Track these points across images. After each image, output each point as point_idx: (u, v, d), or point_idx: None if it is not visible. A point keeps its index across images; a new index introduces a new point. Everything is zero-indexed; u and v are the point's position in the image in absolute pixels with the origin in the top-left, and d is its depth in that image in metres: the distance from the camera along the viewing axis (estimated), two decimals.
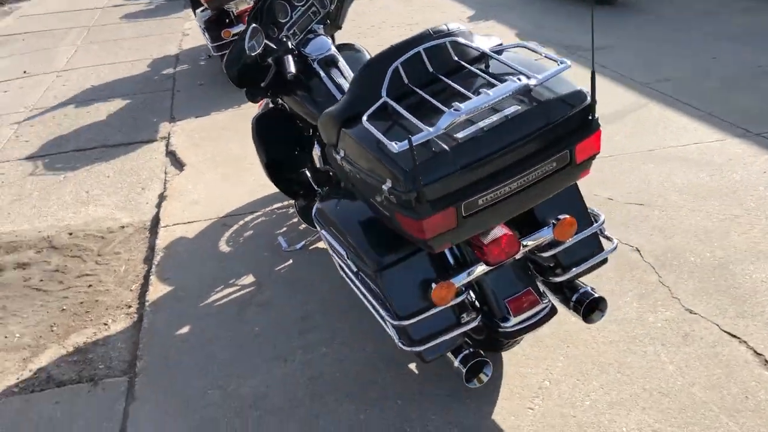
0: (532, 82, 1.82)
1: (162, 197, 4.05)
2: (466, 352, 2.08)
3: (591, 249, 2.22)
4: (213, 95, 5.69)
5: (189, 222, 3.73)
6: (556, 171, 1.88)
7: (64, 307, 3.13)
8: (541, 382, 2.44)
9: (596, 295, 2.21)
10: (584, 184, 3.46)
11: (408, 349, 2.03)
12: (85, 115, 5.54)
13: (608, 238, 2.25)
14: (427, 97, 1.92)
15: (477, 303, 2.19)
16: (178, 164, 4.47)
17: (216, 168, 4.35)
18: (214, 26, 5.58)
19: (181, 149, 4.68)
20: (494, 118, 1.81)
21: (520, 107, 1.82)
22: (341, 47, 3.11)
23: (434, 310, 2.00)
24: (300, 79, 2.86)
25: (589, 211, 2.22)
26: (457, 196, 1.77)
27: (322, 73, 2.82)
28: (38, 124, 5.42)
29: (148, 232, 3.71)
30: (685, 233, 3.20)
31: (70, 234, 3.75)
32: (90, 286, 3.29)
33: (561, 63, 1.85)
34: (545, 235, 2.10)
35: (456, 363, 2.08)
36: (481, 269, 2.05)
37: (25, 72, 6.85)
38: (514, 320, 2.09)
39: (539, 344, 2.62)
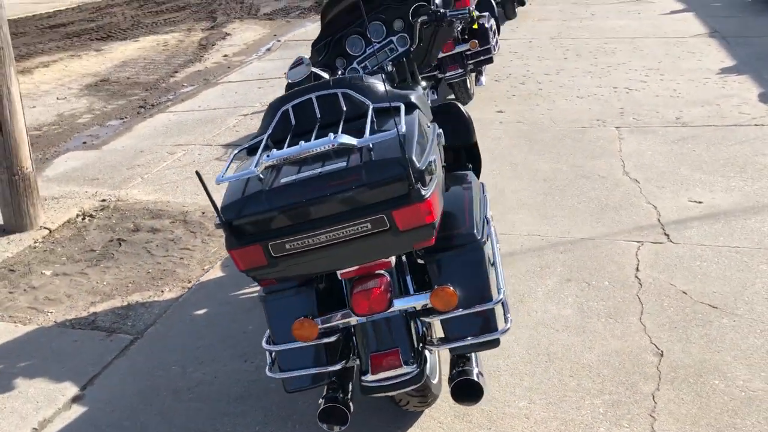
0: (354, 142, 1.81)
1: None
2: (333, 395, 2.11)
3: (477, 327, 2.06)
4: None
5: None
6: (375, 234, 1.83)
7: (150, 270, 3.76)
8: None
9: (472, 378, 2.05)
10: (662, 265, 3.08)
11: (270, 374, 2.14)
12: None
13: (505, 320, 2.07)
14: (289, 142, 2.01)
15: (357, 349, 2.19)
16: None
17: None
18: None
19: None
20: (316, 170, 1.84)
21: (339, 164, 1.82)
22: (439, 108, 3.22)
23: (299, 344, 2.07)
24: None
25: (495, 286, 2.08)
26: (264, 236, 1.85)
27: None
28: (257, 118, 6.33)
29: None
30: (737, 351, 2.63)
31: (203, 213, 4.41)
32: (182, 258, 3.88)
33: (398, 129, 1.79)
34: (420, 300, 2.04)
35: (320, 399, 2.12)
36: (351, 317, 2.06)
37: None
38: (372, 377, 2.06)
39: (464, 418, 2.45)
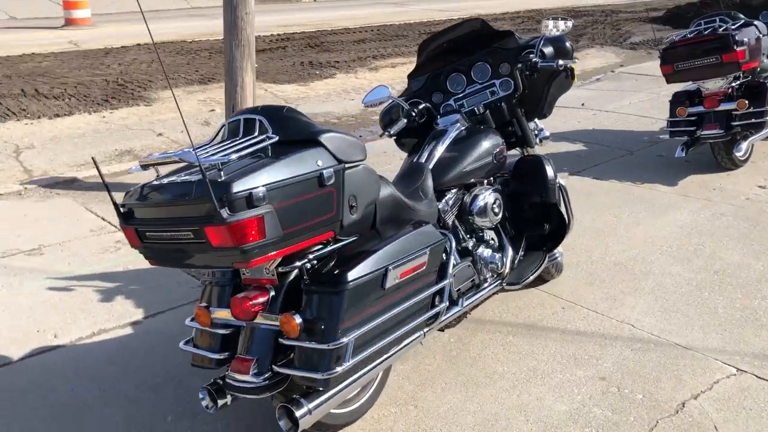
0: (192, 160, 1.95)
1: None
2: (217, 380, 2.34)
3: (308, 361, 2.14)
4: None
5: None
6: (198, 243, 1.99)
7: None
8: None
9: (288, 407, 2.12)
10: None
11: (181, 346, 2.45)
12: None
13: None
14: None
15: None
16: None
17: None
18: (676, 101, 5.34)
19: None
20: (181, 178, 2.08)
21: (185, 178, 2.03)
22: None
23: (200, 327, 2.38)
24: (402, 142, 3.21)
25: (339, 330, 2.12)
26: (134, 222, 2.15)
27: (425, 143, 3.08)
28: None
29: None
30: None
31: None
32: None
33: (196, 155, 1.95)
34: (273, 321, 2.19)
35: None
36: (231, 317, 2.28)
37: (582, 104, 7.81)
38: (230, 375, 2.23)
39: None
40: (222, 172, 1.96)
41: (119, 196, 2.21)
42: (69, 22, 14.02)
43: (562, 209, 3.21)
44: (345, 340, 2.10)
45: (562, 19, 3.13)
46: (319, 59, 10.65)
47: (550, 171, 3.15)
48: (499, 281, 3.04)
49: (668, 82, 5.27)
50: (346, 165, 2.18)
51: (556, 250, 3.61)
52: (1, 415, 2.67)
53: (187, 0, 20.41)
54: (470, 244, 3.01)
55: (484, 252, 3.03)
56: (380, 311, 2.24)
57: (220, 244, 1.94)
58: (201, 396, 2.34)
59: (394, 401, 2.71)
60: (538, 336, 3.15)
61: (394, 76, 9.74)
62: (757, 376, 2.81)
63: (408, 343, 2.43)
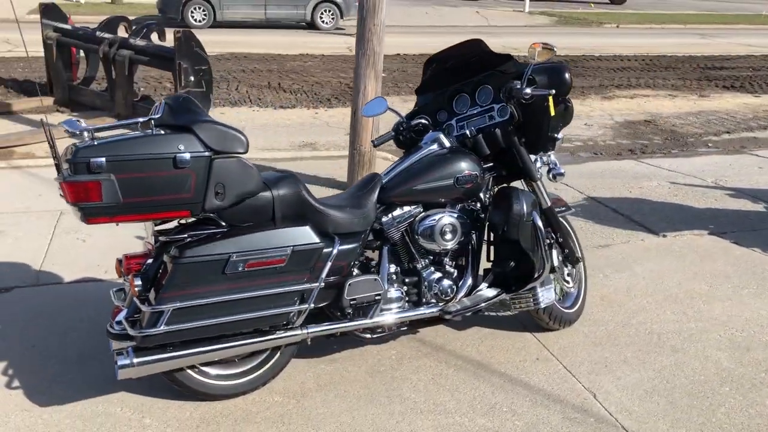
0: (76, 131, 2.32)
1: None
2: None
3: (137, 321, 2.50)
4: None
5: None
6: None
7: None
8: None
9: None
10: None
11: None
12: None
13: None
14: None
15: None
16: None
17: None
18: None
19: None
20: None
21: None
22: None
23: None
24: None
25: (162, 298, 2.40)
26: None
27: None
28: None
29: None
30: None
31: None
32: None
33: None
34: (128, 280, 2.54)
35: None
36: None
37: None
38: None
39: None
40: (95, 141, 2.32)
41: None
42: None
43: (529, 249, 2.96)
44: (162, 307, 2.35)
45: (545, 47, 2.88)
46: None
47: (517, 206, 2.93)
48: (438, 307, 2.94)
49: None
50: (216, 154, 2.40)
51: (562, 303, 3.32)
52: None
53: (486, 18, 21.24)
54: (420, 263, 2.97)
55: (433, 275, 2.96)
56: (216, 293, 2.43)
57: (67, 200, 2.32)
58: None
59: (285, 391, 2.83)
60: (480, 376, 2.97)
61: (625, 107, 9.17)
62: None
63: (267, 339, 2.61)
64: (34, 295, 3.54)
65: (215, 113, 7.87)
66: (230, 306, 2.48)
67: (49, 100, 7.68)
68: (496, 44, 14.40)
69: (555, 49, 2.86)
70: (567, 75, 2.96)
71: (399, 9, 21.46)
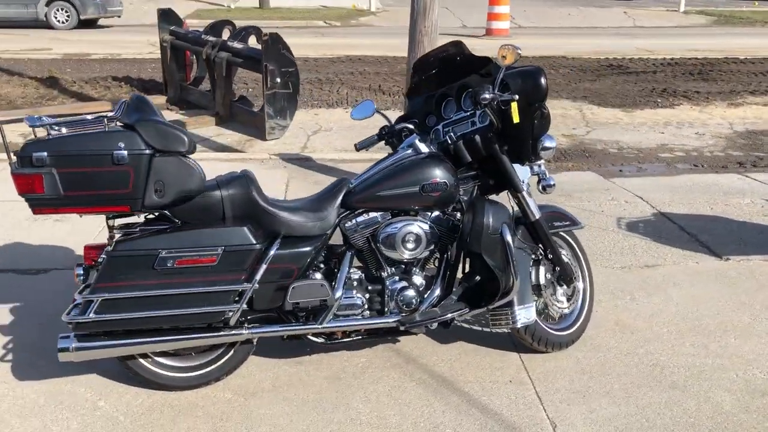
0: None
1: None
2: None
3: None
4: None
5: None
6: None
7: None
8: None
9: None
10: None
11: None
12: None
13: None
14: None
15: None
16: None
17: None
18: None
19: None
20: None
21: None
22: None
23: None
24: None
25: (95, 288, 2.51)
26: None
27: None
28: None
29: None
30: None
31: None
32: None
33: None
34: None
35: None
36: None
37: None
38: None
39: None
40: (49, 136, 2.48)
41: None
42: (488, 32, 15.39)
43: (495, 265, 2.77)
44: (92, 297, 2.47)
45: (506, 48, 2.66)
46: (680, 87, 9.69)
47: (481, 218, 2.76)
48: (395, 318, 2.84)
49: None
50: (157, 153, 2.48)
51: (555, 327, 3.11)
52: None
53: (633, 18, 20.10)
54: (387, 272, 2.89)
55: (396, 284, 2.88)
56: (145, 287, 2.51)
57: (18, 191, 2.49)
58: None
59: (238, 389, 2.86)
60: (439, 394, 2.83)
61: (752, 115, 8.33)
62: None
63: (205, 336, 2.66)
64: (64, 277, 3.84)
65: (308, 114, 8.13)
66: (162, 301, 2.55)
67: (161, 99, 8.28)
68: (629, 46, 13.63)
69: (520, 51, 2.66)
70: (542, 80, 2.75)
71: (535, 9, 20.90)
